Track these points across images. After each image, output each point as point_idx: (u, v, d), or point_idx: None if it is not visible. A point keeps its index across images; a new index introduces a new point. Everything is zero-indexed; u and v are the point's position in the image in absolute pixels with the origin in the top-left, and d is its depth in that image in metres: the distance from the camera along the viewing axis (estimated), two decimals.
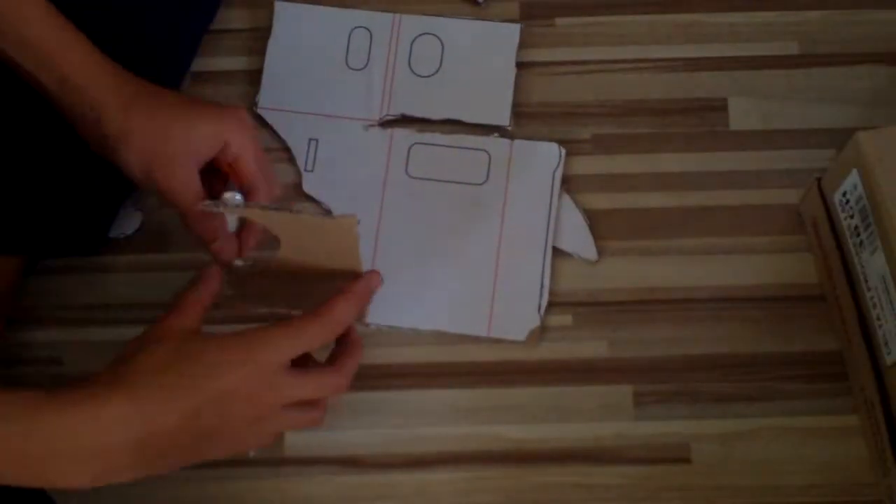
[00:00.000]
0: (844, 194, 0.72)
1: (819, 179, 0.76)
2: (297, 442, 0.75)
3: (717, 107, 0.84)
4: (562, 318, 0.78)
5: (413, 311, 0.77)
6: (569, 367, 0.77)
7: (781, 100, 0.84)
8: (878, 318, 0.69)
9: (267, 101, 0.82)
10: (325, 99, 0.81)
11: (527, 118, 0.83)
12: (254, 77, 0.83)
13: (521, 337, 0.75)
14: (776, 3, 0.87)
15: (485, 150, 0.80)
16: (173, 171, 0.62)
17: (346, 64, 0.81)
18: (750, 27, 0.86)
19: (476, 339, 0.77)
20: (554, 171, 0.79)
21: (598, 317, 0.78)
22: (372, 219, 0.78)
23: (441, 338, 0.77)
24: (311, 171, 0.80)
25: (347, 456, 0.75)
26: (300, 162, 0.80)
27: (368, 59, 0.81)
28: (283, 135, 0.81)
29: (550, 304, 0.78)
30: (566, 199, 0.79)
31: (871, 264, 0.69)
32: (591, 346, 0.78)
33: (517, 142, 0.81)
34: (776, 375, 0.76)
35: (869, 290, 0.70)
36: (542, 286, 0.77)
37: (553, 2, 0.87)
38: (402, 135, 0.80)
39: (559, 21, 0.87)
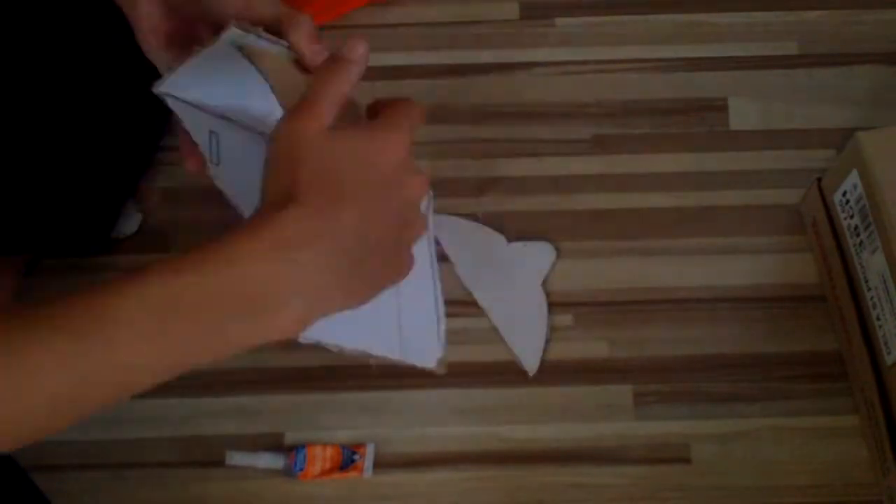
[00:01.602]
0: (844, 194, 0.72)
1: (819, 179, 0.76)
2: (298, 442, 0.75)
3: (717, 107, 0.84)
4: (562, 318, 0.78)
5: (328, 327, 0.72)
6: (569, 367, 0.77)
7: (781, 100, 0.84)
8: (878, 318, 0.69)
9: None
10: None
11: (527, 118, 0.83)
12: None
13: (431, 365, 0.73)
14: (776, 3, 0.87)
15: None
16: None
17: None
18: (750, 27, 0.86)
19: (475, 339, 0.77)
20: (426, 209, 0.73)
21: (598, 317, 0.78)
22: None
23: None
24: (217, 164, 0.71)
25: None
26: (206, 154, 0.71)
27: None
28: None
29: (550, 304, 0.78)
30: (543, 306, 0.78)
31: (871, 264, 0.69)
32: (591, 346, 0.78)
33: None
34: (776, 375, 0.77)
35: (869, 290, 0.70)
36: (438, 318, 0.74)
37: (553, 2, 0.87)
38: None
39: (559, 21, 0.87)
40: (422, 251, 0.74)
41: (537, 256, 0.80)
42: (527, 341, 0.78)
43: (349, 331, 0.74)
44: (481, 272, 0.79)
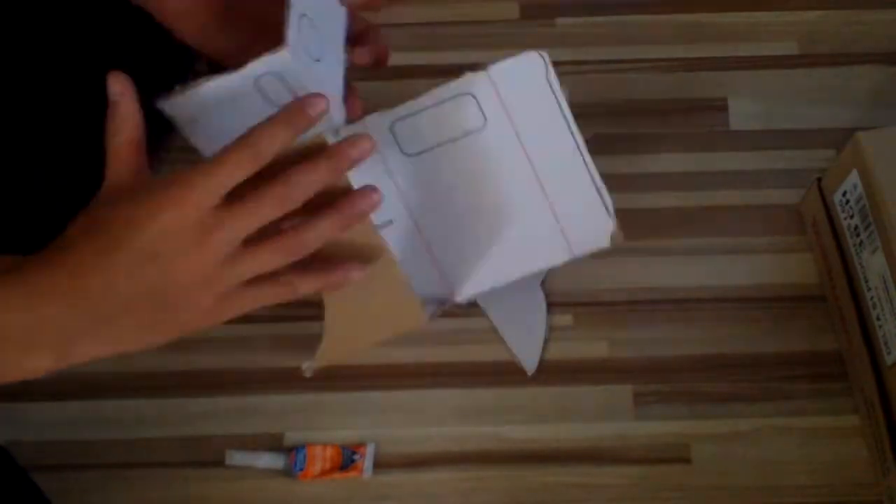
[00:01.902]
0: (844, 194, 0.72)
1: (819, 179, 0.76)
2: (298, 442, 0.75)
3: (717, 107, 0.84)
4: (562, 318, 0.78)
5: (487, 274, 0.73)
6: (569, 367, 0.77)
7: (781, 100, 0.84)
8: (878, 318, 0.69)
9: None
10: None
11: None
12: None
13: (605, 243, 0.72)
14: (776, 3, 0.87)
15: (468, 94, 0.75)
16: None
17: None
18: (750, 27, 0.86)
19: (475, 339, 0.77)
20: (547, 78, 0.74)
21: (598, 317, 0.78)
22: (399, 212, 0.76)
23: (441, 338, 0.77)
24: None
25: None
26: None
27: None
28: None
29: (550, 304, 0.78)
30: (542, 305, 0.78)
31: (871, 264, 0.69)
32: (591, 346, 0.78)
33: (492, 68, 0.76)
34: (776, 375, 0.76)
35: (869, 290, 0.70)
36: (597, 189, 0.73)
37: (553, 2, 0.87)
38: (377, 121, 0.75)
39: (559, 21, 0.87)
40: (561, 132, 0.71)
41: None
42: (526, 341, 0.78)
43: (501, 268, 0.73)
44: None
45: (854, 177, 0.70)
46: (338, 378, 0.76)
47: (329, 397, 0.76)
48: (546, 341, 0.77)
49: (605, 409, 0.76)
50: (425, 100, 0.72)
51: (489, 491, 0.74)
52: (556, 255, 0.71)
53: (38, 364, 0.47)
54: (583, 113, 0.84)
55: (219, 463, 0.74)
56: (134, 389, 0.76)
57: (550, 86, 0.73)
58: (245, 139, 0.47)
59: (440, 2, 0.86)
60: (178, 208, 0.46)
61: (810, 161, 0.81)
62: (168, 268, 0.46)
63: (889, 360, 0.68)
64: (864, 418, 0.73)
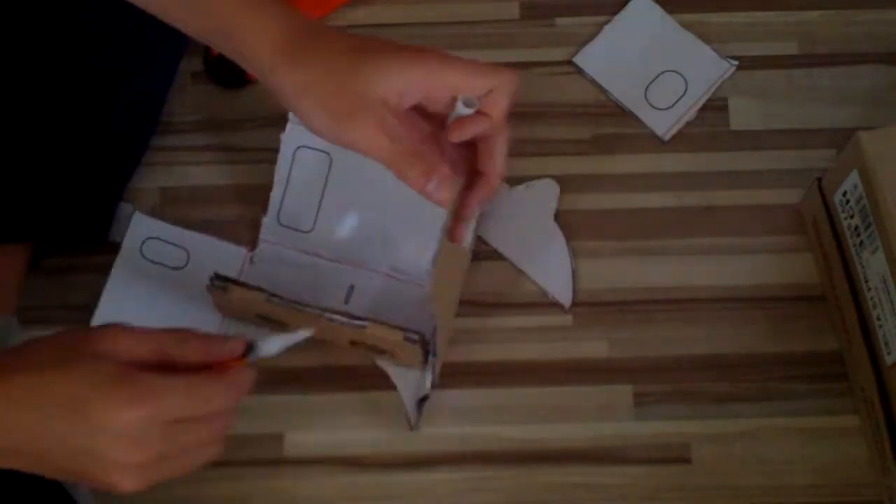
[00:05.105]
0: (844, 194, 0.72)
1: (819, 179, 0.76)
2: (298, 442, 0.75)
3: (717, 107, 0.84)
4: (562, 318, 0.78)
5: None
6: (569, 367, 0.77)
7: (781, 100, 0.84)
8: (878, 318, 0.69)
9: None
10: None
11: (527, 118, 0.83)
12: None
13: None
14: (776, 3, 0.87)
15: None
16: (353, 126, 0.57)
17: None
18: (750, 27, 0.86)
19: (476, 339, 0.77)
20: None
21: (598, 317, 0.78)
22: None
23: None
24: None
25: (348, 456, 0.75)
26: None
27: None
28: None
29: (551, 304, 0.78)
30: (559, 237, 0.79)
31: (871, 264, 0.69)
32: (591, 346, 0.78)
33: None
34: (776, 375, 0.76)
35: (869, 290, 0.70)
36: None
37: (553, 2, 0.87)
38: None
39: (559, 21, 0.87)
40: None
41: (542, 193, 0.81)
42: (555, 274, 0.79)
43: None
44: (494, 222, 0.80)
45: (854, 177, 0.70)
46: (338, 378, 0.76)
47: (329, 398, 0.76)
48: (573, 272, 0.78)
49: (605, 409, 0.76)
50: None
51: (489, 491, 0.74)
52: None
53: None
54: (582, 113, 0.84)
55: (218, 463, 0.73)
56: None
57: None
58: (232, 376, 0.53)
59: (439, 1, 0.86)
60: (140, 417, 0.47)
61: (810, 161, 0.81)
62: (109, 449, 0.47)
63: (889, 360, 0.68)
64: (864, 418, 0.73)
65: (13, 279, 0.76)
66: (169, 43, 0.82)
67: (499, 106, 0.60)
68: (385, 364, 0.74)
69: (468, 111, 0.59)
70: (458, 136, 0.60)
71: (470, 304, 0.78)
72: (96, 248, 0.79)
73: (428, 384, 0.70)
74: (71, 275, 0.79)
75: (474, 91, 0.59)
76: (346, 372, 0.76)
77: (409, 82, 0.57)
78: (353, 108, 0.57)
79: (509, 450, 0.75)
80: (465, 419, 0.76)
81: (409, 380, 0.73)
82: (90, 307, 0.78)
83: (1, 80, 0.68)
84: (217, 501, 0.74)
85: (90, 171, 0.73)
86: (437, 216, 0.73)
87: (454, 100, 0.59)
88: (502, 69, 0.59)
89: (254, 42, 0.58)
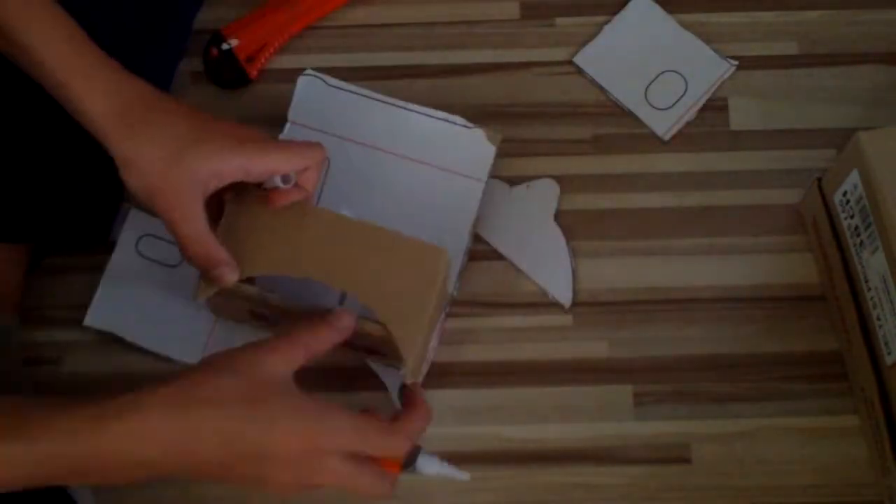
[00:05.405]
0: (844, 194, 0.72)
1: (819, 179, 0.76)
2: None
3: (717, 107, 0.84)
4: (562, 318, 0.78)
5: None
6: (569, 367, 0.77)
7: (781, 100, 0.84)
8: (878, 318, 0.69)
9: None
10: None
11: (527, 118, 0.83)
12: None
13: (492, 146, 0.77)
14: (776, 3, 0.87)
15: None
16: (173, 204, 0.62)
17: None
18: (750, 27, 0.86)
19: (475, 339, 0.77)
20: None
21: (598, 317, 0.78)
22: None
23: (441, 338, 0.77)
24: None
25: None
26: None
27: None
28: None
29: (551, 304, 0.78)
30: (559, 237, 0.79)
31: (871, 264, 0.69)
32: (591, 346, 0.77)
33: None
34: (776, 375, 0.76)
35: (869, 290, 0.70)
36: (445, 119, 0.77)
37: (553, 2, 0.87)
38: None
39: (559, 21, 0.87)
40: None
41: (542, 193, 0.81)
42: (555, 274, 0.79)
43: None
44: (495, 221, 0.80)
45: (854, 177, 0.70)
46: (337, 379, 0.76)
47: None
48: (573, 271, 0.78)
49: (605, 409, 0.76)
50: None
51: (489, 491, 0.74)
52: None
53: (120, 483, 0.55)
54: (582, 113, 0.84)
55: None
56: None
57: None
58: (406, 420, 0.64)
59: (439, 1, 0.86)
60: (309, 452, 0.57)
61: (810, 161, 0.81)
62: (276, 475, 0.57)
63: (889, 360, 0.68)
64: (864, 418, 0.73)
65: (13, 279, 0.76)
66: (169, 43, 0.82)
67: (311, 180, 0.67)
68: (376, 365, 0.74)
69: (286, 186, 0.66)
70: (279, 205, 0.66)
71: (469, 304, 0.78)
72: (97, 248, 0.79)
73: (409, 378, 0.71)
74: (71, 275, 0.79)
75: (292, 171, 0.65)
76: (346, 373, 0.76)
77: (231, 169, 0.63)
78: (174, 188, 0.61)
79: (509, 450, 0.75)
80: (464, 419, 0.76)
81: (397, 379, 0.73)
82: (89, 307, 0.78)
83: (1, 81, 0.68)
84: (214, 501, 0.74)
85: (91, 171, 0.73)
86: (435, 219, 0.73)
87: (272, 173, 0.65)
88: (315, 148, 0.66)
89: (86, 104, 0.61)
